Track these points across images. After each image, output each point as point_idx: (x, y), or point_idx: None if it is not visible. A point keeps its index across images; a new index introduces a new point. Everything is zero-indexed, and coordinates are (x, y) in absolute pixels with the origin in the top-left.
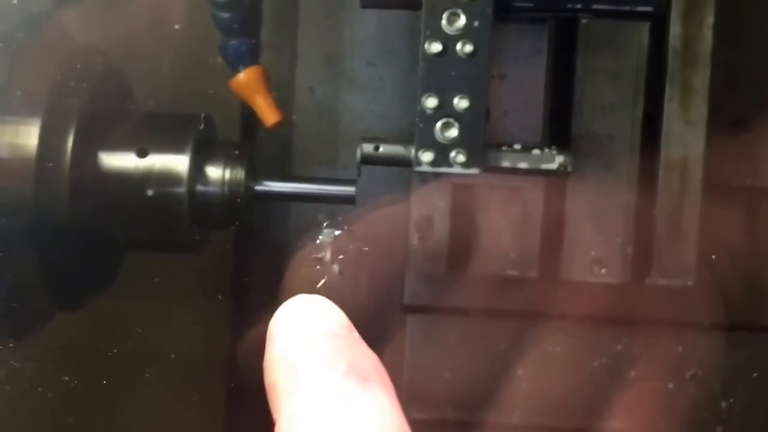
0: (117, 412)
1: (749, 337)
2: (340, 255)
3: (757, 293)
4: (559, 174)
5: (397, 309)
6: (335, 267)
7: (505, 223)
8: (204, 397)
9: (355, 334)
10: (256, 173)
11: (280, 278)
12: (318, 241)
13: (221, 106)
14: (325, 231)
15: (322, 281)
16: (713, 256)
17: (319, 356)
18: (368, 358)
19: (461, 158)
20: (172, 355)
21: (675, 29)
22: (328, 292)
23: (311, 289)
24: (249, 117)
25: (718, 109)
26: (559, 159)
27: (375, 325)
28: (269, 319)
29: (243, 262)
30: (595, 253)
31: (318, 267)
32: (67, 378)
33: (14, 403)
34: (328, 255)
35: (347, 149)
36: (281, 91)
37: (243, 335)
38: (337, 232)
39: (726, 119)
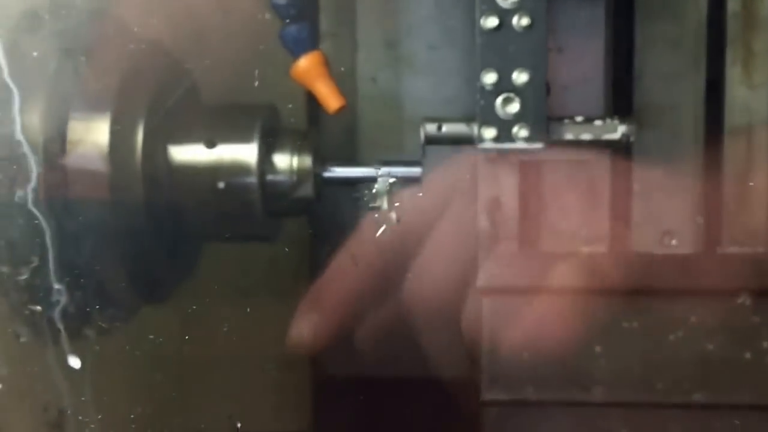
0: (200, 403)
1: None
2: (396, 203)
3: None
4: (623, 143)
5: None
6: (393, 215)
7: (574, 199)
8: (291, 388)
9: None
10: (323, 160)
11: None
12: (374, 190)
13: (286, 94)
14: (380, 179)
15: (382, 229)
16: None
17: None
18: None
19: (524, 133)
20: (257, 347)
21: None
22: (386, 240)
23: (371, 238)
24: (314, 106)
25: None
26: (622, 128)
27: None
28: (346, 308)
29: (320, 249)
30: (665, 225)
31: (376, 215)
32: (155, 369)
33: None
34: (385, 203)
35: (412, 135)
36: (343, 80)
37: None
38: (392, 180)
39: None
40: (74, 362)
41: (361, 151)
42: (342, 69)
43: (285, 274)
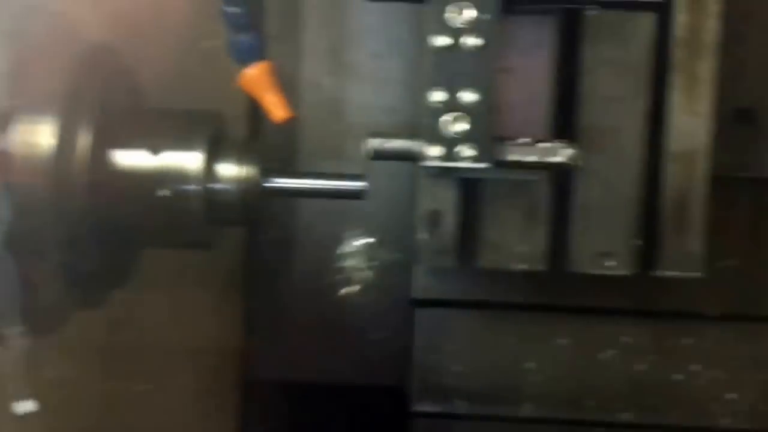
0: (131, 404)
1: (757, 329)
2: (372, 261)
3: (761, 284)
4: (567, 167)
5: None
6: (368, 273)
7: (513, 217)
8: (218, 391)
9: None
10: (266, 170)
11: (291, 270)
12: (351, 249)
13: (228, 101)
14: (356, 239)
15: (357, 287)
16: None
17: None
18: None
19: (470, 152)
20: (186, 349)
21: (680, 18)
22: (362, 296)
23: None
24: (256, 112)
25: (725, 99)
26: (567, 152)
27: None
28: (281, 314)
29: (256, 256)
30: (603, 246)
31: (353, 273)
32: (83, 373)
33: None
34: (361, 262)
35: (353, 142)
36: (287, 85)
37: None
38: (369, 240)
39: (733, 109)
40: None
41: (302, 158)
42: (285, 72)
43: (219, 282)
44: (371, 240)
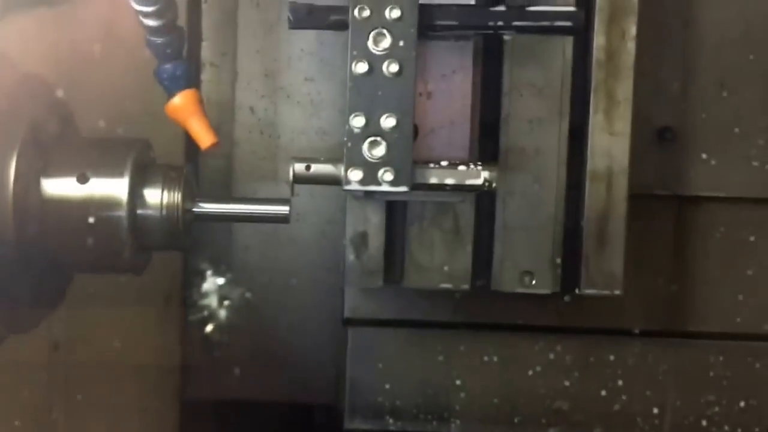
0: (71, 421)
1: (679, 343)
2: (225, 301)
3: (683, 300)
4: (485, 189)
5: None
6: (222, 312)
7: (438, 237)
8: (157, 408)
9: None
10: (193, 195)
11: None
12: (203, 290)
13: (165, 126)
14: (209, 279)
15: (210, 327)
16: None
17: None
18: None
19: (389, 176)
20: (125, 367)
21: (598, 41)
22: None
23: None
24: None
25: (646, 119)
26: (484, 174)
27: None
28: (216, 334)
29: (193, 277)
30: (525, 265)
31: (206, 313)
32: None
33: None
34: (214, 301)
35: (287, 164)
36: (222, 109)
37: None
38: (220, 281)
39: (652, 128)
40: None
41: (237, 179)
42: (221, 96)
43: (158, 301)
44: (222, 280)
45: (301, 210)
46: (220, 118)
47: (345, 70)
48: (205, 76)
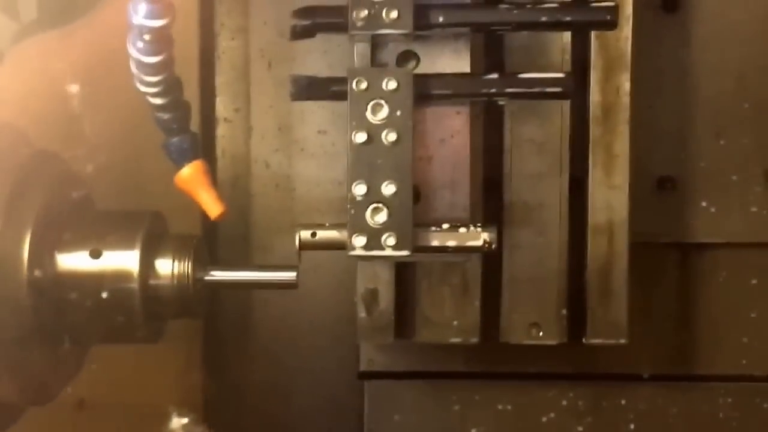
0: None
1: (687, 387)
2: None
3: (690, 343)
4: (485, 250)
5: None
6: None
7: (446, 293)
8: None
9: None
10: (204, 263)
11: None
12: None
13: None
14: (174, 420)
15: None
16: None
17: None
18: None
19: (392, 241)
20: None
21: (594, 97)
22: None
23: None
24: None
25: (644, 169)
26: (484, 236)
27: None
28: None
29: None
30: (532, 317)
31: None
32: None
33: None
34: None
35: (303, 216)
36: (237, 163)
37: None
38: (185, 420)
39: (652, 178)
40: None
41: (255, 234)
42: (235, 151)
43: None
44: (186, 420)
45: (317, 261)
46: (236, 172)
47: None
48: (220, 131)
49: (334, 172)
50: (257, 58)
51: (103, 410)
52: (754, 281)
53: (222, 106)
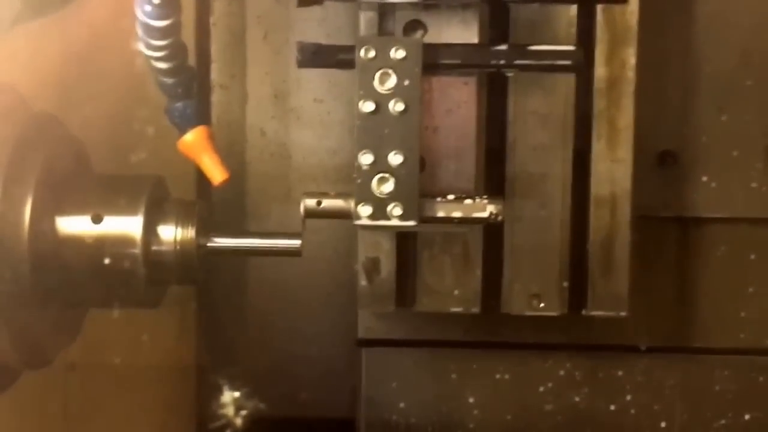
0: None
1: (685, 359)
2: (242, 411)
3: (688, 317)
4: (491, 221)
5: None
6: (238, 421)
7: (448, 262)
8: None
9: None
10: (207, 230)
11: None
12: (221, 401)
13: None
14: (225, 393)
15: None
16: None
17: None
18: None
19: (398, 211)
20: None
21: (599, 71)
22: None
23: None
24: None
25: (648, 143)
26: (490, 207)
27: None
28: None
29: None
30: (533, 288)
31: (224, 422)
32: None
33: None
34: (231, 411)
35: (299, 185)
36: (233, 130)
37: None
38: (236, 394)
39: (654, 153)
40: None
41: (249, 202)
42: (231, 118)
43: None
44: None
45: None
46: (231, 139)
47: (353, 91)
48: (215, 97)
49: (329, 140)
50: (254, 25)
51: (94, 373)
52: (752, 256)
53: (217, 73)
